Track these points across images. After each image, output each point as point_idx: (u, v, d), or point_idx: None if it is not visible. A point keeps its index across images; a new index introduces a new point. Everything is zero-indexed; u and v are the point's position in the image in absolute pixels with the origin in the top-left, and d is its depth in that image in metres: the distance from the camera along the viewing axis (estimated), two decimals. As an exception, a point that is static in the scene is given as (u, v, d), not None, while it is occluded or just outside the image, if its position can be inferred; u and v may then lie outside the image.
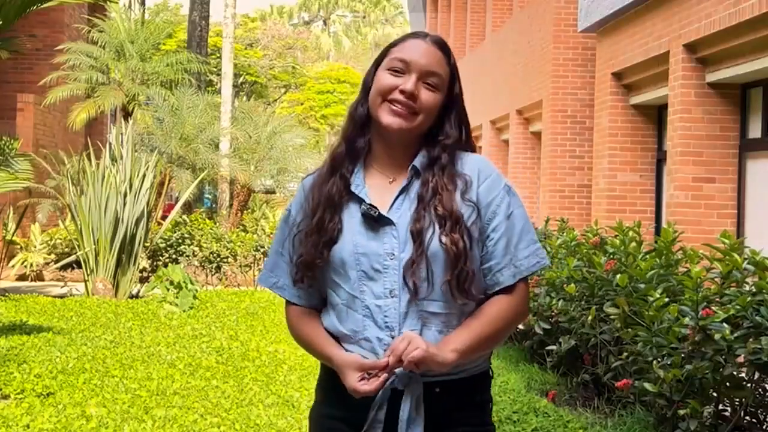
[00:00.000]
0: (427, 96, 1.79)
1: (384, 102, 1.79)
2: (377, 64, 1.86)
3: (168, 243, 10.80)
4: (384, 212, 1.79)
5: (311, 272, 1.83)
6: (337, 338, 1.83)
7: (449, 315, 1.77)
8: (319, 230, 1.81)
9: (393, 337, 1.75)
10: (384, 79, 1.80)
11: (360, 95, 1.88)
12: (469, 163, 1.84)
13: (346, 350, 1.80)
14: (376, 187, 1.84)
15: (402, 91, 1.77)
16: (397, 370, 1.73)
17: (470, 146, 1.89)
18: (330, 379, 1.85)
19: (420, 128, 1.81)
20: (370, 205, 1.79)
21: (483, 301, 1.82)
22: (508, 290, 1.81)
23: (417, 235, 1.75)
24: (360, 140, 1.86)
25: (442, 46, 1.84)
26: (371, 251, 1.78)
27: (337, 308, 1.83)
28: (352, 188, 1.83)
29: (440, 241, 1.74)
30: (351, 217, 1.81)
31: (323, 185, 1.84)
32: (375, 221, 1.79)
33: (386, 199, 1.82)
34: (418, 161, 1.82)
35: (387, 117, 1.78)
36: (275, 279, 1.93)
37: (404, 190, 1.82)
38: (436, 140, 1.83)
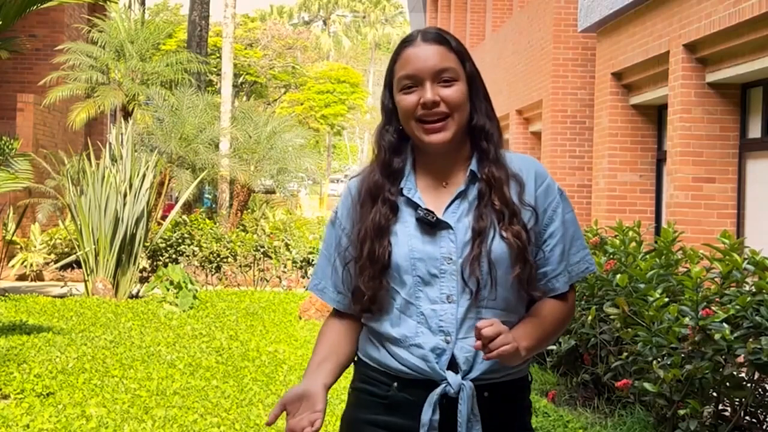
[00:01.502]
0: (450, 92, 1.74)
1: (416, 122, 1.75)
2: (389, 86, 1.82)
3: (168, 243, 10.80)
4: (439, 216, 1.75)
5: (374, 303, 1.78)
6: (389, 340, 1.77)
7: (507, 323, 1.69)
8: (371, 261, 1.76)
9: (448, 342, 1.71)
10: (403, 102, 1.76)
11: (383, 120, 1.84)
12: (518, 163, 1.81)
13: (395, 353, 1.76)
14: (428, 190, 1.80)
15: (424, 104, 1.73)
16: (450, 379, 1.70)
17: (496, 122, 1.83)
18: (366, 380, 1.82)
19: (461, 127, 1.77)
20: (427, 210, 1.75)
21: (531, 304, 1.80)
22: (561, 295, 1.81)
23: (478, 234, 1.71)
24: (396, 160, 1.82)
25: (438, 38, 1.78)
26: (428, 255, 1.73)
27: (392, 313, 1.77)
28: (405, 192, 1.78)
29: (502, 237, 1.71)
30: (405, 223, 1.77)
31: (367, 214, 1.79)
32: (431, 226, 1.74)
33: (440, 202, 1.78)
34: (474, 165, 1.79)
35: (426, 136, 1.74)
36: (318, 281, 1.89)
37: (461, 194, 1.77)
38: (473, 126, 1.79)
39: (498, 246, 1.72)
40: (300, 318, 8.13)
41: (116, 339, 6.70)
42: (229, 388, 5.18)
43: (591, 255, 1.85)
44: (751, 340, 3.59)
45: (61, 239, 11.44)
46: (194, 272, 10.82)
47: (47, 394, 4.91)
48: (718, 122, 7.15)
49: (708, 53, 6.99)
